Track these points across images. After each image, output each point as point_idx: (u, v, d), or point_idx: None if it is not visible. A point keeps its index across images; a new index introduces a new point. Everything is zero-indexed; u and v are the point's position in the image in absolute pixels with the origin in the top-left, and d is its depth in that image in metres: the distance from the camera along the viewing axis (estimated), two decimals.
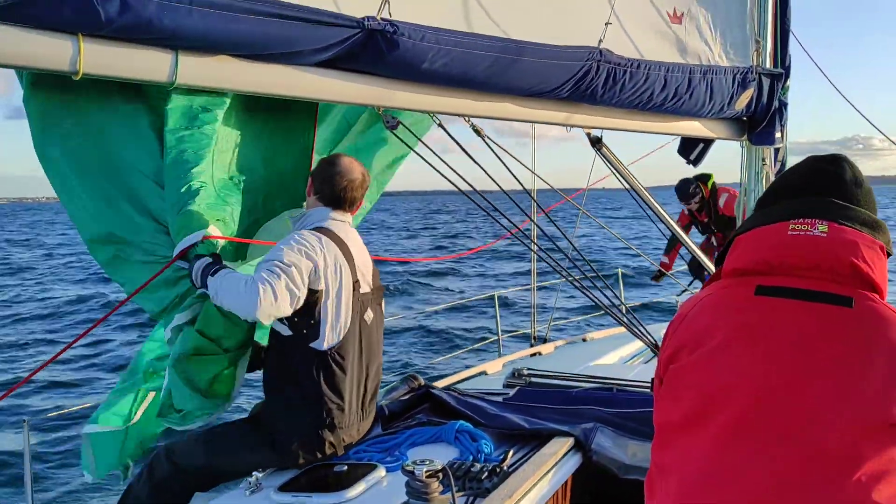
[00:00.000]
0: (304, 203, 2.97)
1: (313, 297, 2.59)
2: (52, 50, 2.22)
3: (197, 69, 2.53)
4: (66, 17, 2.18)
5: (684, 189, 7.63)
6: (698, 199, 7.58)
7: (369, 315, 2.79)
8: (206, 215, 2.79)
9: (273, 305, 2.44)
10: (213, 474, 2.67)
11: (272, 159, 3.20)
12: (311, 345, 2.61)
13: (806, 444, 1.27)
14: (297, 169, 3.25)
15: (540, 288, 6.73)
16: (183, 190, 2.80)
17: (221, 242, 2.84)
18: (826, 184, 1.46)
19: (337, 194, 2.80)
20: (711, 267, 5.38)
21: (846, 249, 1.36)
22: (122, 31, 2.30)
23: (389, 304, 15.40)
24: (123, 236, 2.82)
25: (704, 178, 7.78)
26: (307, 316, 2.60)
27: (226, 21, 2.47)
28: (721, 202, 7.53)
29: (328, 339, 2.61)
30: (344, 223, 2.82)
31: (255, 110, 3.19)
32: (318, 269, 2.59)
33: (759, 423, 1.31)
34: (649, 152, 5.31)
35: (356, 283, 2.72)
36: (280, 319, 2.62)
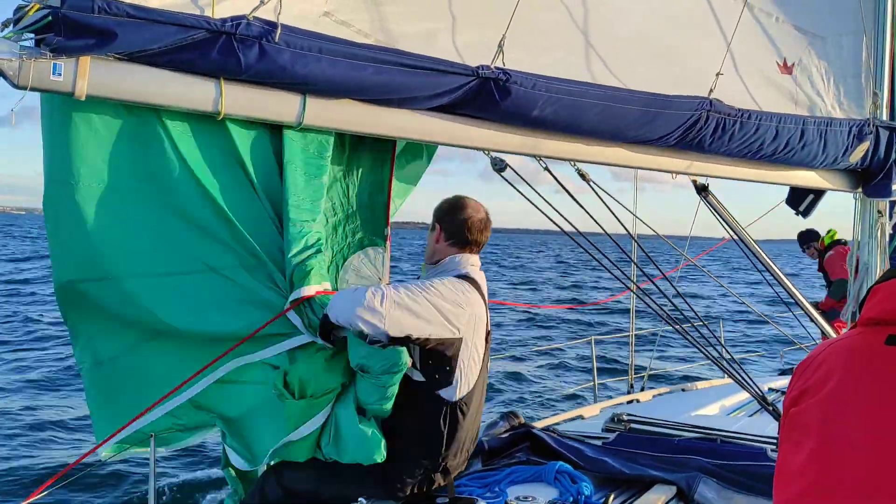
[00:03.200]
0: (429, 249, 2.96)
1: (453, 346, 2.58)
2: (199, 92, 2.44)
3: (322, 111, 2.71)
4: (212, 62, 2.39)
5: (801, 237, 7.72)
6: (812, 250, 7.65)
7: (488, 359, 2.79)
8: (319, 267, 2.77)
9: (374, 312, 2.41)
10: (323, 498, 2.71)
11: (355, 194, 3.27)
12: (441, 393, 2.62)
13: None
14: (375, 202, 3.32)
15: (638, 337, 6.63)
16: (303, 238, 2.78)
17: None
18: None
19: (471, 237, 2.80)
20: (826, 327, 5.20)
21: None
22: (258, 75, 2.50)
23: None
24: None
25: (829, 233, 7.89)
26: (443, 364, 2.60)
27: (351, 69, 2.64)
28: (826, 257, 7.55)
29: (460, 389, 2.62)
30: (477, 268, 2.83)
31: (339, 147, 3.27)
32: (462, 318, 2.58)
33: (877, 480, 1.28)
34: (767, 210, 5.20)
35: (489, 334, 2.72)
36: (413, 364, 2.62)
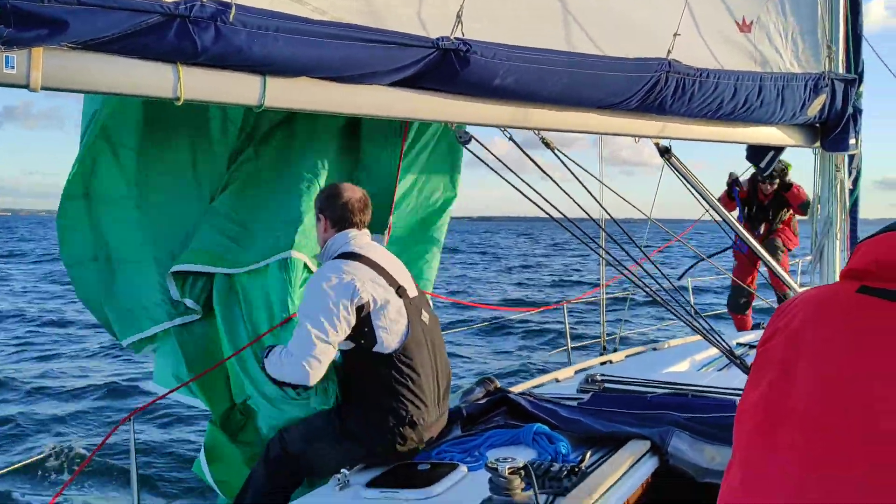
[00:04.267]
0: (319, 240, 3.12)
1: (361, 312, 2.75)
2: (156, 78, 2.42)
3: (283, 92, 2.70)
4: (167, 46, 2.37)
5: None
6: (777, 183, 7.20)
7: (425, 316, 2.95)
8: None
9: (321, 368, 2.71)
10: (310, 460, 2.88)
11: (360, 182, 3.39)
12: (375, 350, 2.78)
13: (861, 457, 1.28)
14: (381, 191, 3.44)
15: (610, 301, 6.73)
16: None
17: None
18: None
19: (355, 219, 2.95)
20: (790, 281, 5.31)
21: None
22: (215, 58, 2.48)
23: (461, 312, 15.56)
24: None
25: (783, 170, 7.45)
26: (361, 326, 2.76)
27: (309, 46, 2.64)
28: (790, 190, 7.22)
29: (387, 342, 2.77)
30: (365, 240, 2.97)
31: (345, 135, 3.38)
32: (356, 289, 2.74)
33: (827, 417, 1.32)
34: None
35: (400, 290, 2.87)
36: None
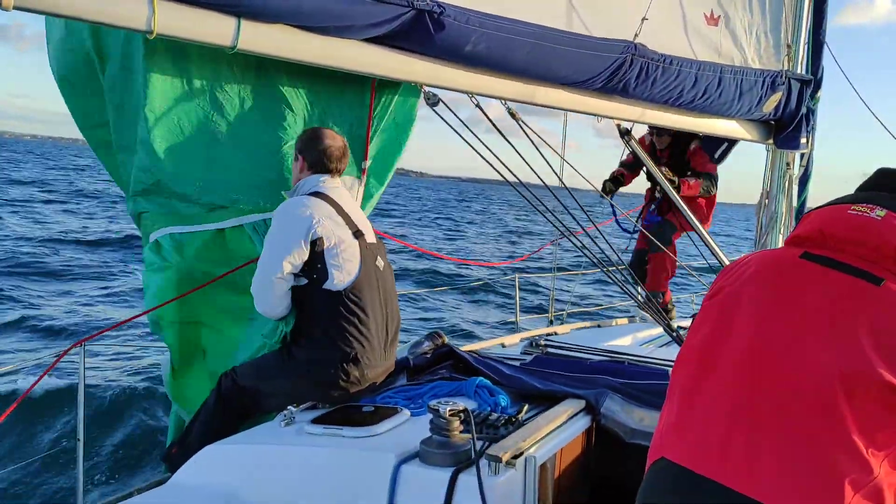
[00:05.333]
0: (294, 179, 3.20)
1: (315, 247, 2.87)
2: (130, 8, 2.43)
3: (257, 36, 2.73)
4: None
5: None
6: (665, 137, 6.01)
7: (381, 262, 3.07)
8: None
9: (269, 298, 2.90)
10: (260, 394, 2.98)
11: (334, 125, 3.42)
12: (325, 286, 2.89)
13: (778, 394, 1.43)
14: (354, 135, 3.49)
15: (560, 270, 6.87)
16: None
17: None
18: (892, 184, 1.62)
19: (323, 159, 3.07)
20: (723, 257, 5.45)
21: (895, 234, 1.49)
22: None
23: (416, 282, 15.67)
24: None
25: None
26: (315, 262, 2.88)
27: None
28: (690, 147, 5.93)
29: (338, 279, 2.88)
30: (334, 186, 3.08)
31: (313, 84, 3.40)
32: (313, 223, 2.87)
33: (744, 365, 1.48)
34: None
35: (358, 233, 2.99)
36: (297, 273, 2.93)
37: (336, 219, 2.95)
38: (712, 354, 1.55)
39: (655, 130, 5.93)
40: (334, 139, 3.13)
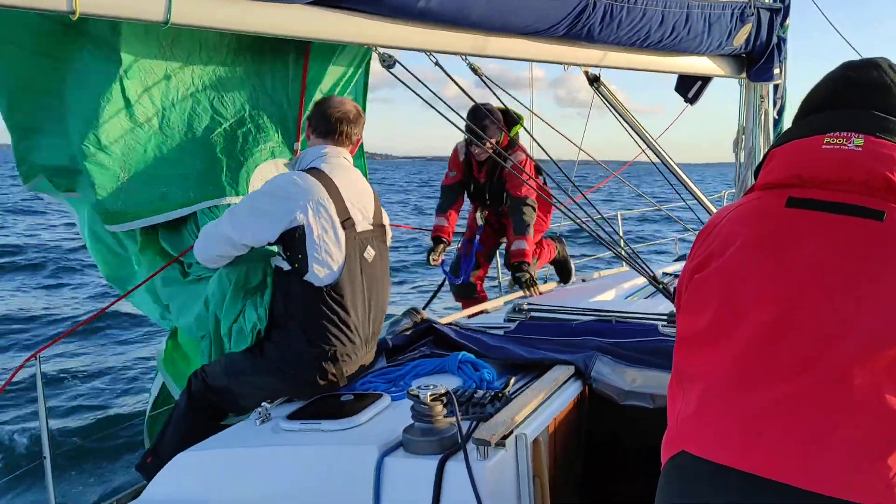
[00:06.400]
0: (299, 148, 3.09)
1: (296, 233, 2.67)
2: None
3: (192, 8, 2.52)
4: None
5: (484, 115, 4.37)
6: (495, 139, 4.57)
7: (370, 253, 2.84)
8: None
9: (211, 254, 2.79)
10: (232, 394, 2.82)
11: (265, 106, 3.27)
12: (307, 278, 2.69)
13: (822, 361, 1.26)
14: (286, 115, 3.32)
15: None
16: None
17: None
18: (862, 94, 1.43)
19: (331, 126, 2.87)
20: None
21: (881, 163, 1.33)
22: None
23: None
24: None
25: (511, 118, 4.74)
26: (295, 251, 2.69)
27: None
28: (510, 163, 4.48)
29: (319, 273, 2.68)
30: (339, 161, 2.86)
31: (240, 54, 3.22)
32: (294, 205, 2.67)
33: (780, 338, 1.31)
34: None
35: (348, 221, 2.76)
36: (279, 254, 2.75)
37: (326, 205, 2.71)
38: (730, 335, 1.36)
39: (474, 142, 4.19)
40: (343, 103, 2.95)
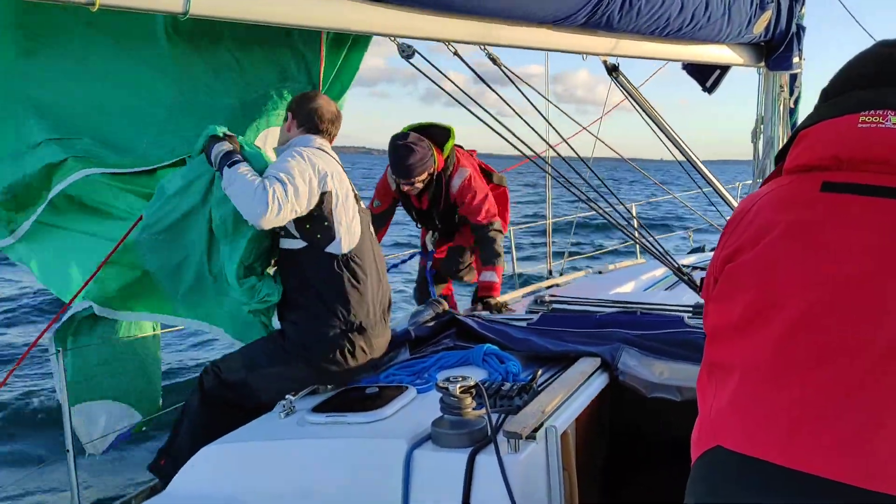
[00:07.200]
0: (281, 139, 3.02)
1: (323, 200, 2.68)
2: None
3: None
4: None
5: (406, 154, 3.90)
6: (428, 173, 4.01)
7: (372, 229, 2.93)
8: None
9: (277, 217, 2.55)
10: (252, 388, 2.75)
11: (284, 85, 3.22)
12: (328, 249, 2.70)
13: (871, 346, 1.20)
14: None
15: (556, 225, 6.72)
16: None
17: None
18: None
19: (321, 126, 2.88)
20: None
21: None
22: None
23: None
24: None
25: (440, 134, 4.15)
26: (320, 220, 2.68)
27: None
28: (455, 185, 4.10)
29: (345, 241, 2.71)
30: (329, 151, 2.89)
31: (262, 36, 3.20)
32: (325, 174, 2.69)
33: (823, 324, 1.25)
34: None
35: (356, 196, 2.87)
36: (290, 234, 2.71)
37: (340, 175, 2.78)
38: (767, 324, 1.29)
39: (402, 178, 3.97)
40: (328, 103, 2.97)
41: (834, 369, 1.22)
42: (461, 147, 4.35)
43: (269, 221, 2.54)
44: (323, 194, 2.67)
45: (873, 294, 1.23)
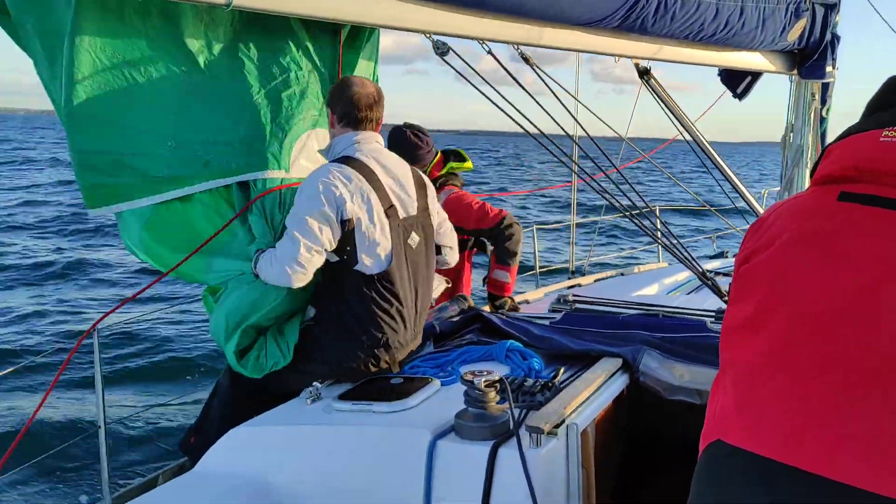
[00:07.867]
0: (330, 137, 2.98)
1: (345, 227, 2.67)
2: None
3: None
4: None
5: (417, 137, 4.05)
6: (424, 166, 4.02)
7: (414, 239, 2.83)
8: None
9: (305, 275, 2.64)
10: (280, 377, 2.79)
11: (306, 64, 3.19)
12: (357, 268, 2.70)
13: (870, 349, 1.23)
14: (327, 78, 3.28)
15: (580, 226, 6.73)
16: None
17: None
18: None
19: (360, 115, 2.81)
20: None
21: None
22: None
23: None
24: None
25: (451, 152, 4.28)
26: (345, 243, 2.69)
27: None
28: (440, 198, 3.83)
29: (368, 264, 2.69)
30: (373, 147, 2.84)
31: (291, 30, 3.18)
32: (343, 201, 2.64)
33: (828, 327, 1.28)
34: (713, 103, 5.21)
35: (391, 209, 2.75)
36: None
37: (369, 194, 2.70)
38: (774, 325, 1.34)
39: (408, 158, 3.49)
40: (364, 85, 2.86)
41: (838, 373, 1.25)
42: (458, 185, 4.23)
43: (301, 282, 2.65)
44: (344, 222, 2.66)
45: (870, 303, 1.26)
